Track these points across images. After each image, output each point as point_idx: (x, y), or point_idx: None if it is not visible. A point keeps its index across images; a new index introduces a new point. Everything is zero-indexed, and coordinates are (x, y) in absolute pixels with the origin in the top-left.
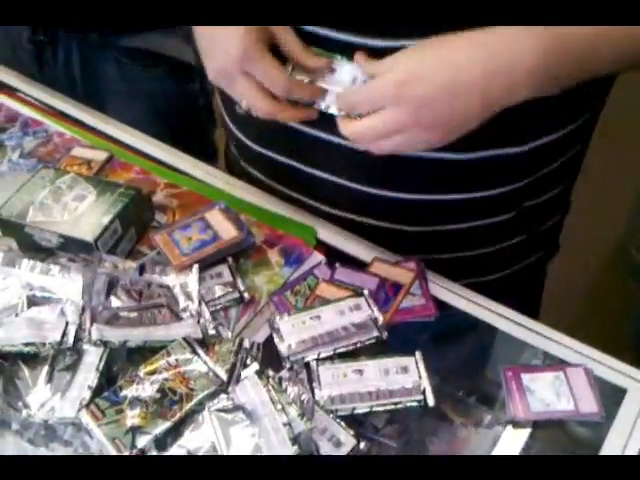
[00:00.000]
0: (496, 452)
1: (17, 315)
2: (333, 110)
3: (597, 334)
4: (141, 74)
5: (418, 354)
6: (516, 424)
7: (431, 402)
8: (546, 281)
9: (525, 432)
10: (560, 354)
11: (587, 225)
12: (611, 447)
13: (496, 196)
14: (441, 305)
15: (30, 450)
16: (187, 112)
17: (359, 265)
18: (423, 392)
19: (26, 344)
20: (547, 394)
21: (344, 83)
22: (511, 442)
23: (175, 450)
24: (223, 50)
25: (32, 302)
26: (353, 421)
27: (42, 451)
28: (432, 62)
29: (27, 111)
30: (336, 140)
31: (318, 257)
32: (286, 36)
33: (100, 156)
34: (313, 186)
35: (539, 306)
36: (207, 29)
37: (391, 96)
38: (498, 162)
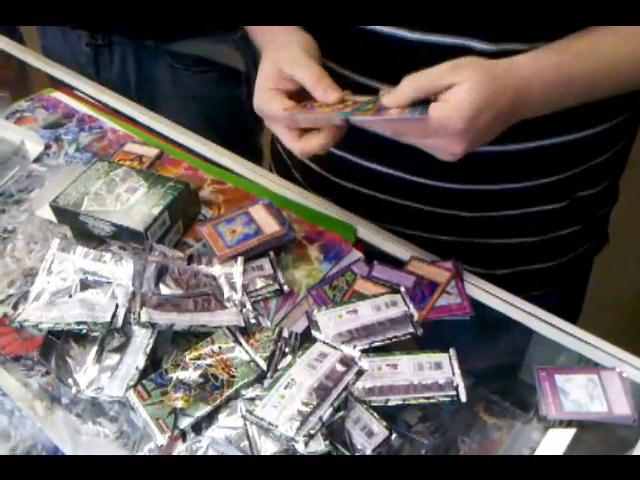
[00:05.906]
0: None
1: (70, 296)
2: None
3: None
4: (192, 79)
5: (452, 351)
6: (550, 425)
7: (463, 398)
8: (591, 286)
9: (564, 437)
10: (595, 357)
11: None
12: None
13: (549, 184)
14: (478, 306)
15: (78, 423)
16: (234, 117)
17: (396, 263)
18: (456, 388)
19: (78, 323)
20: (580, 395)
21: None
22: (548, 447)
23: (209, 433)
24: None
25: (85, 285)
26: (386, 417)
27: (89, 425)
28: (489, 94)
29: (84, 108)
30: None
31: (357, 254)
32: (302, 74)
33: (151, 152)
34: (365, 176)
35: (582, 303)
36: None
37: (459, 130)
38: (551, 151)
